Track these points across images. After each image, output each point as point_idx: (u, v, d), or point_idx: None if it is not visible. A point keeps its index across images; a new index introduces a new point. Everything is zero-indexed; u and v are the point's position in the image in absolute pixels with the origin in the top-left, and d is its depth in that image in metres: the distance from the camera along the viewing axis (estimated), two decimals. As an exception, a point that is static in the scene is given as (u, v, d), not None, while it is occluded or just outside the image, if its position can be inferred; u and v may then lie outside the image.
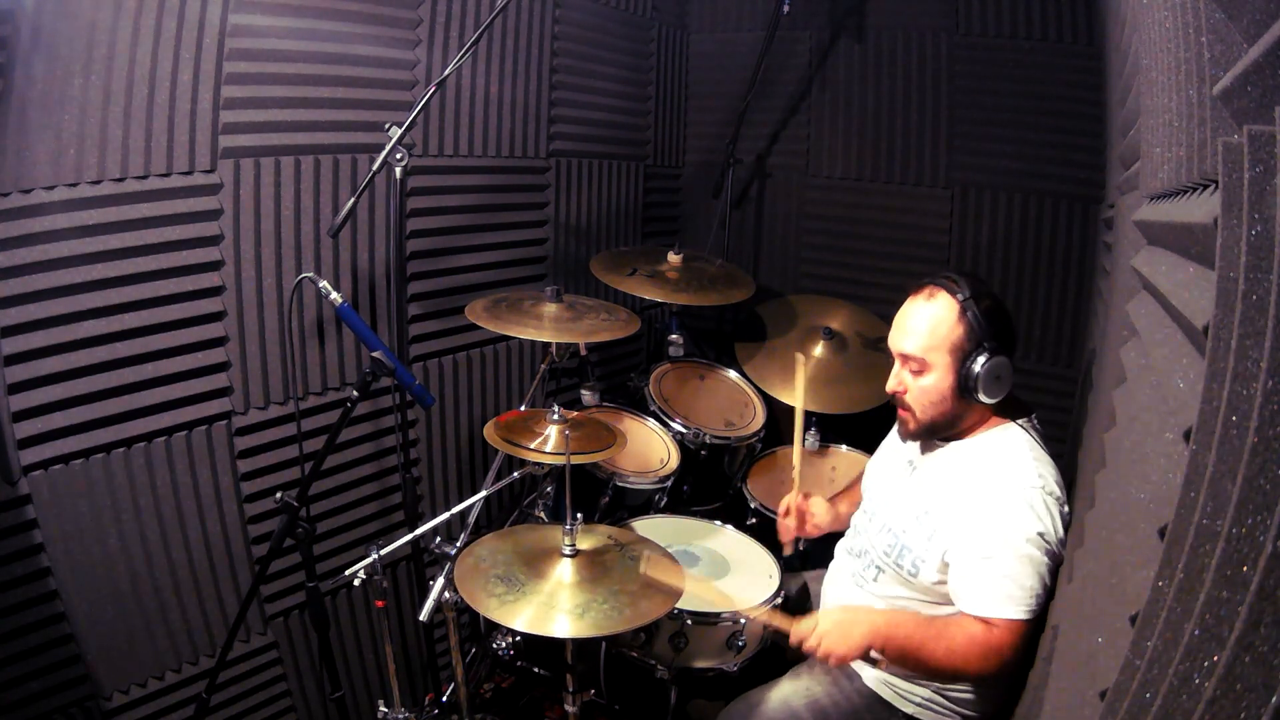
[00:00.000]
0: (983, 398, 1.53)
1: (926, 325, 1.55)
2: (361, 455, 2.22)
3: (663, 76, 3.18)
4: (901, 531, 1.61)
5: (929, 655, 1.46)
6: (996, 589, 1.44)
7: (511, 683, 2.42)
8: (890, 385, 1.64)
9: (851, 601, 1.69)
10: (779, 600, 1.88)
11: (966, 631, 1.45)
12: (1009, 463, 1.52)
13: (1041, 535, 1.42)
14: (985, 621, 1.44)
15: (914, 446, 1.74)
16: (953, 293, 1.54)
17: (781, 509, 1.96)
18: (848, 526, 1.92)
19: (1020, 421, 1.59)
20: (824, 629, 1.49)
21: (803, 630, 1.52)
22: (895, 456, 1.80)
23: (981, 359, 1.51)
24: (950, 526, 1.52)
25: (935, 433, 1.65)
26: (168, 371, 1.77)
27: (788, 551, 1.98)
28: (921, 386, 1.57)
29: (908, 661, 1.49)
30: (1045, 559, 1.42)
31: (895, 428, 1.92)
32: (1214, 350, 0.58)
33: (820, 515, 1.94)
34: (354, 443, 2.19)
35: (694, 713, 1.98)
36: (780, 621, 1.63)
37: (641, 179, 3.14)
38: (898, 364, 1.62)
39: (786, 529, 1.95)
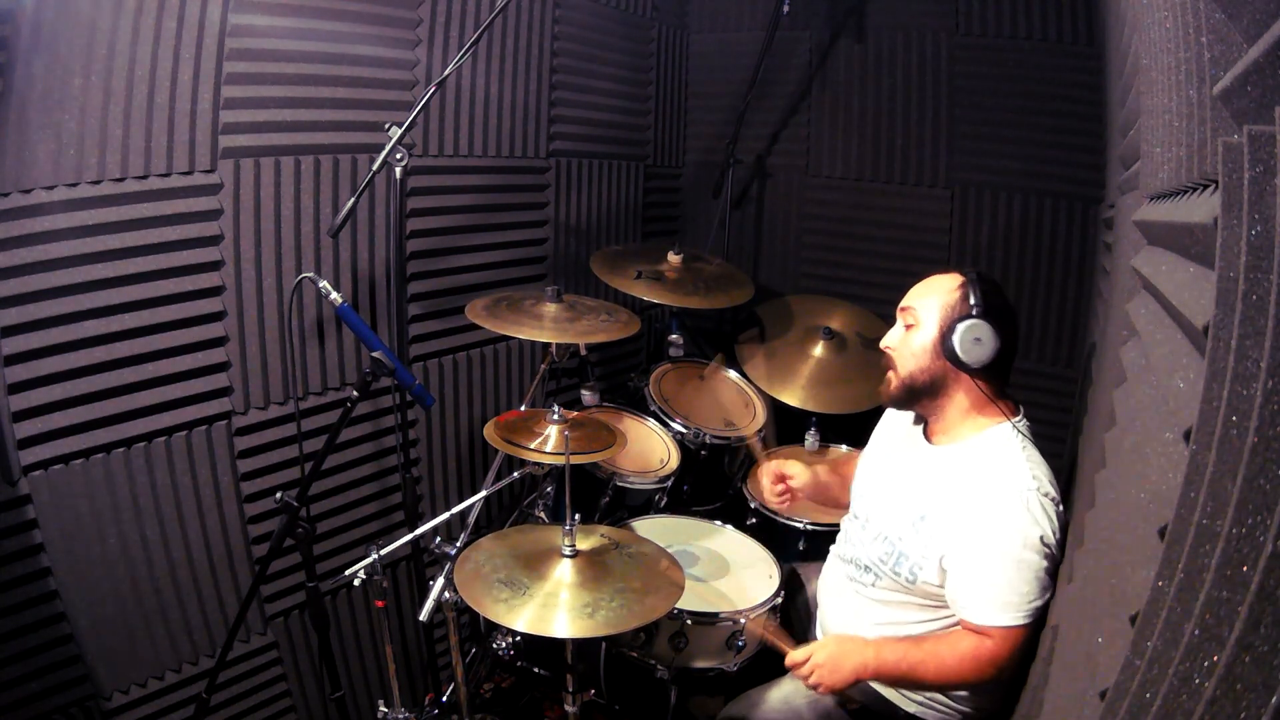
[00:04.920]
0: (961, 356, 1.52)
1: (929, 285, 1.64)
2: (361, 455, 2.22)
3: (663, 76, 3.18)
4: (898, 539, 1.61)
5: (923, 675, 1.50)
6: (993, 597, 1.44)
7: (511, 683, 2.42)
8: (884, 340, 1.69)
9: (850, 607, 1.70)
10: (779, 600, 1.88)
11: (958, 647, 1.48)
12: (1003, 465, 1.52)
13: (1041, 539, 1.42)
14: (981, 631, 1.45)
15: (905, 449, 1.74)
16: (962, 271, 1.62)
17: (766, 480, 1.97)
18: (831, 498, 1.97)
19: (1012, 421, 1.59)
20: (818, 659, 1.55)
21: (797, 657, 1.59)
22: (885, 460, 1.80)
23: (967, 321, 1.53)
24: (947, 531, 1.52)
25: (915, 396, 1.65)
26: (168, 371, 1.77)
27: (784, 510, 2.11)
28: (908, 341, 1.62)
29: (901, 685, 1.57)
30: (1044, 562, 1.42)
31: (880, 424, 1.92)
32: (1214, 350, 0.58)
33: (798, 474, 1.94)
34: (354, 443, 2.19)
35: (694, 712, 1.98)
36: (780, 641, 1.71)
37: (641, 179, 3.14)
38: (898, 322, 1.67)
39: (780, 500, 1.99)
